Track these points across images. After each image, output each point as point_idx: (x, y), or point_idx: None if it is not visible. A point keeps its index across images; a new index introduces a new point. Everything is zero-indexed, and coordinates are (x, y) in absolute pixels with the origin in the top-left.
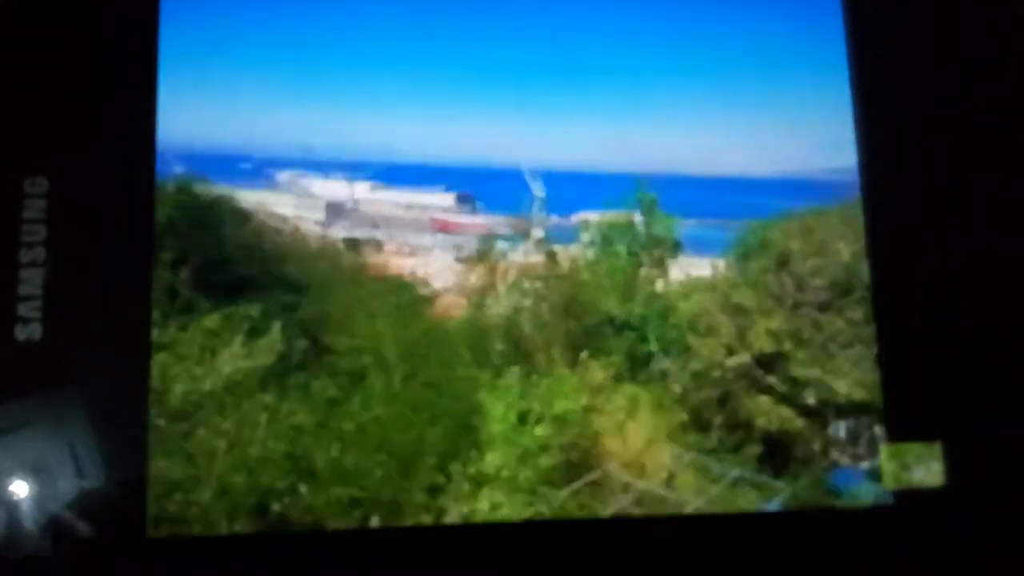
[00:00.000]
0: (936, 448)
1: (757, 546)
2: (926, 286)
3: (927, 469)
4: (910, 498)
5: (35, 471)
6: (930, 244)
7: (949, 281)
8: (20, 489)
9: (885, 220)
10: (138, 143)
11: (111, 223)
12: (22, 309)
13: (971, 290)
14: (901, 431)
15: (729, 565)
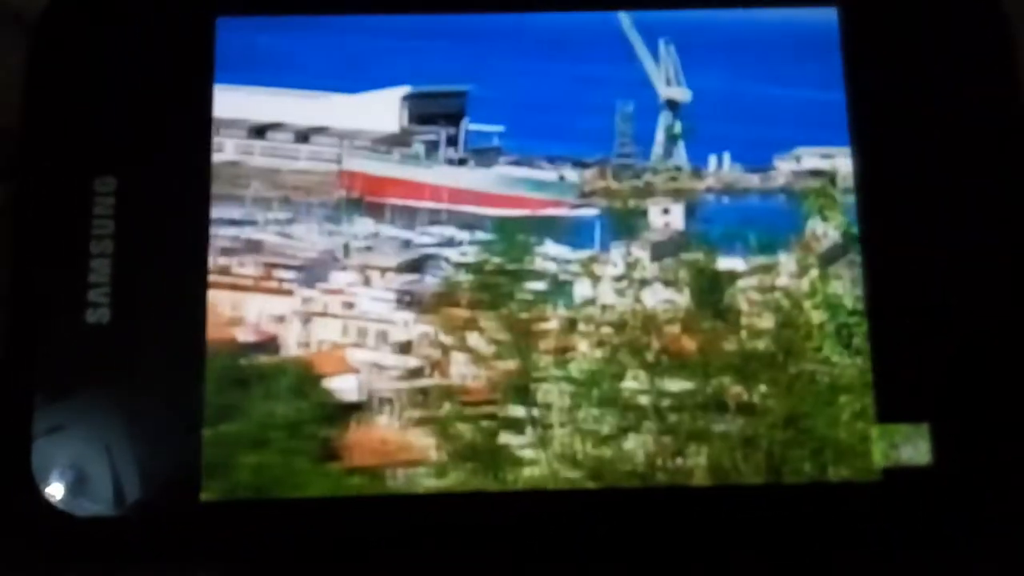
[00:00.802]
0: (924, 428)
1: (743, 519)
2: (916, 268)
3: (915, 448)
4: (898, 475)
5: (97, 436)
6: (920, 227)
7: (938, 263)
8: (83, 454)
9: (876, 203)
10: (198, 145)
11: (172, 217)
12: (92, 295)
13: (960, 273)
14: (890, 412)
15: (714, 538)
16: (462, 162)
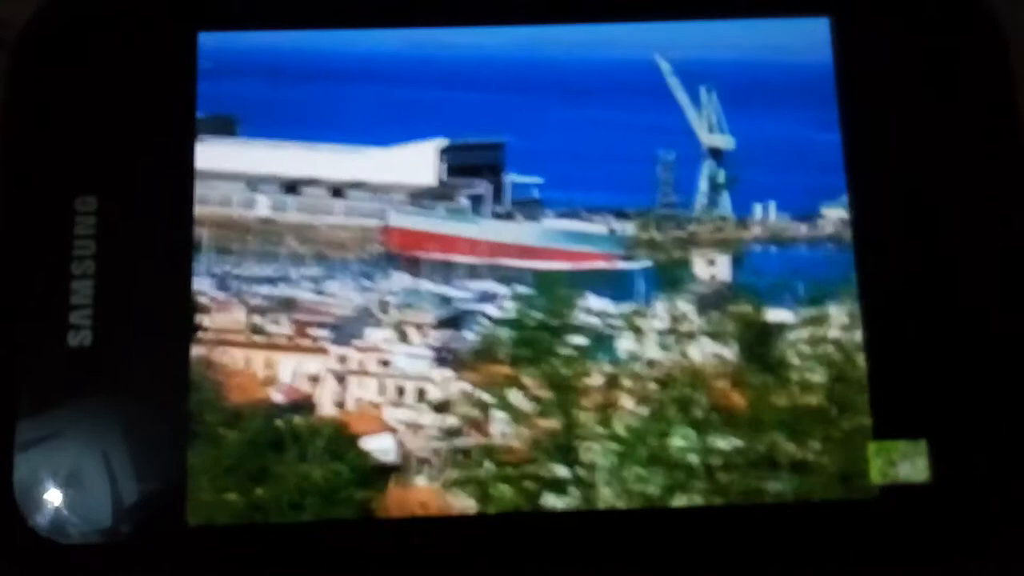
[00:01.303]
0: (922, 445)
1: (738, 539)
2: (913, 283)
3: (913, 465)
4: (896, 493)
5: (81, 462)
6: (916, 241)
7: (935, 278)
8: (65, 480)
9: (871, 218)
10: (181, 163)
11: (156, 237)
12: (74, 318)
13: (958, 286)
14: (887, 428)
15: (709, 558)
16: (509, 216)
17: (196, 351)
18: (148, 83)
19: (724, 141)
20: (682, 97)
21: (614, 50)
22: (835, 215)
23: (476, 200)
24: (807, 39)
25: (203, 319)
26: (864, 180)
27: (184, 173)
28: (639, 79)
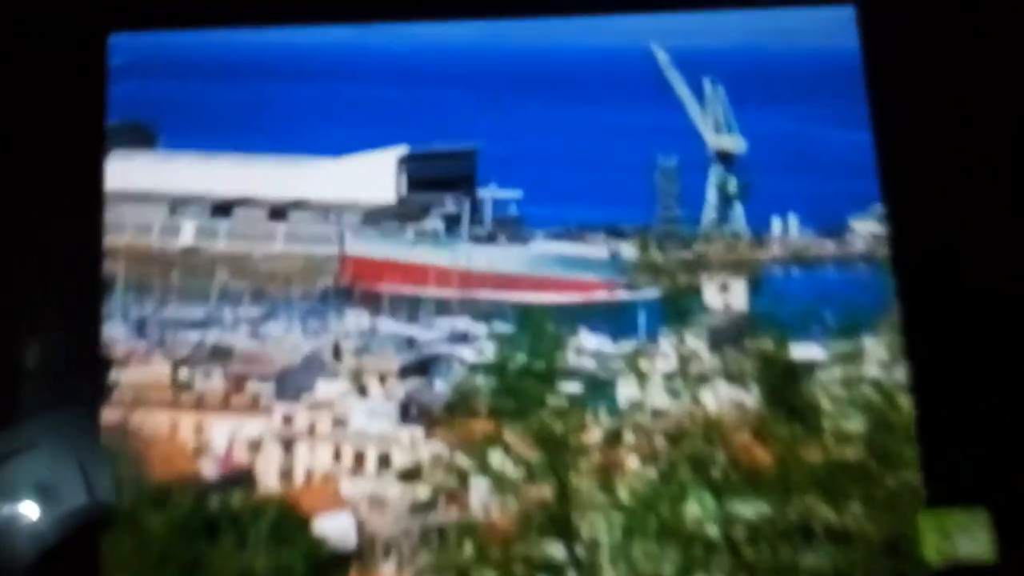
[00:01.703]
0: (982, 514)
1: None
2: (964, 335)
3: (973, 539)
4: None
5: None
6: (967, 297)
7: (987, 330)
8: None
9: (918, 279)
10: (88, 185)
11: (57, 277)
12: None
13: (1012, 339)
14: (940, 493)
15: None
16: (490, 238)
17: (109, 416)
18: (51, 94)
19: (734, 143)
20: (683, 92)
21: (602, 38)
22: (867, 229)
23: (450, 221)
24: (825, 24)
25: (117, 375)
26: (903, 187)
27: (93, 196)
28: (632, 72)
